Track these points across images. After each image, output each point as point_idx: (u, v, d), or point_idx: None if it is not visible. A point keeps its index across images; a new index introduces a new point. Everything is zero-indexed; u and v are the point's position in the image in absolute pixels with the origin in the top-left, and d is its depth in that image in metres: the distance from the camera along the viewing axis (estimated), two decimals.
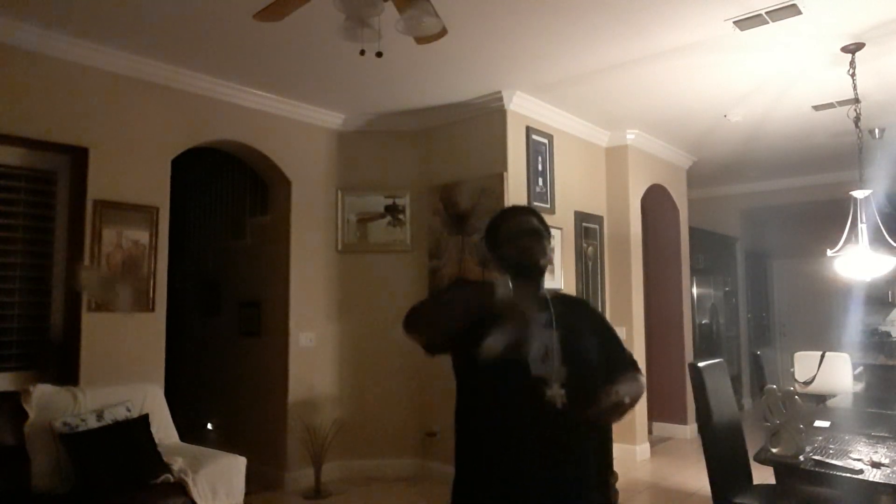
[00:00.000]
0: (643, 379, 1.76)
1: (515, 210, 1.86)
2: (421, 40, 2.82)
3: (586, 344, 1.70)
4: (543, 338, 1.61)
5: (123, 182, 3.94)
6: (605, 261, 5.77)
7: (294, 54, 3.98)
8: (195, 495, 3.15)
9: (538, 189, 4.99)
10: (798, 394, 2.85)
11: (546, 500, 1.55)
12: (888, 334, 7.44)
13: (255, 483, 4.06)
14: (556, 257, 5.11)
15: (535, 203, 4.92)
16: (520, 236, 1.72)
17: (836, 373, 5.24)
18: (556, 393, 1.55)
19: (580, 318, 1.78)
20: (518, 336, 1.54)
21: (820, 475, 2.52)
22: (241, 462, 3.51)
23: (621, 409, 1.51)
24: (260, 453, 4.54)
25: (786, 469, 2.64)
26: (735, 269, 8.43)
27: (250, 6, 2.94)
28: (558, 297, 1.81)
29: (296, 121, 4.94)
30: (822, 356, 5.32)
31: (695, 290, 7.09)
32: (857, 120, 4.12)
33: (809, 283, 8.24)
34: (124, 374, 3.79)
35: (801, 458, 2.60)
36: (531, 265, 1.71)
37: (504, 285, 1.52)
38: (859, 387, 5.52)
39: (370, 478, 4.94)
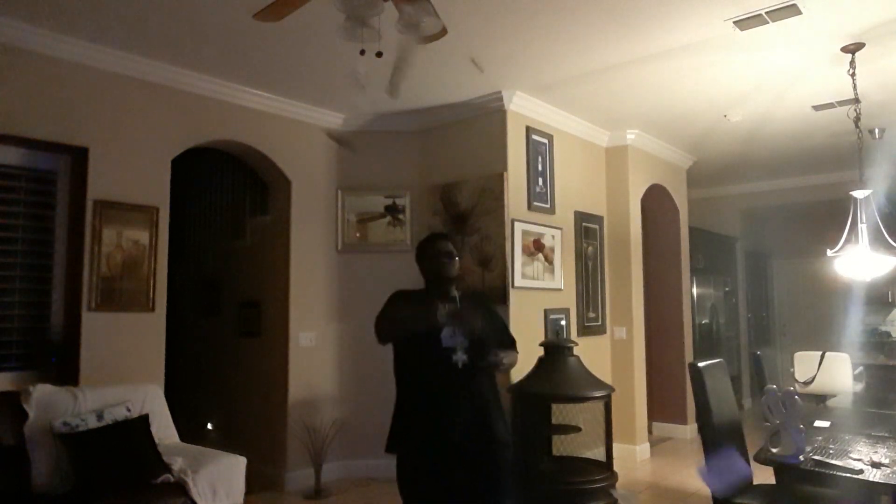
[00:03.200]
0: (516, 354, 2.71)
1: (437, 237, 2.80)
2: (421, 40, 2.81)
3: (479, 325, 2.50)
4: (451, 321, 2.44)
5: (123, 182, 3.94)
6: (605, 261, 5.77)
7: (294, 54, 3.98)
8: (195, 495, 3.15)
9: (538, 189, 4.99)
10: (798, 394, 2.85)
11: (460, 425, 2.43)
12: (888, 334, 7.44)
13: (255, 483, 4.05)
14: (556, 257, 5.11)
15: (535, 203, 4.93)
16: (439, 256, 2.65)
17: (836, 373, 5.25)
18: (460, 357, 2.46)
19: (477, 308, 2.62)
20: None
21: (820, 475, 2.51)
22: (241, 462, 3.50)
23: (501, 367, 2.57)
24: (260, 453, 4.54)
25: (786, 469, 2.64)
26: (735, 269, 8.43)
27: (250, 6, 2.94)
28: (466, 294, 2.68)
29: (296, 121, 4.94)
30: (822, 356, 5.33)
31: (695, 290, 7.09)
32: (857, 120, 4.12)
33: (809, 283, 8.24)
34: (124, 374, 3.79)
35: (801, 458, 2.60)
36: (445, 277, 2.64)
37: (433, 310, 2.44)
38: (859, 387, 5.53)
39: (370, 478, 4.94)
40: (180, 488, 3.15)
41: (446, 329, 2.44)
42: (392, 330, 2.58)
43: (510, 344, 2.71)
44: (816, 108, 5.04)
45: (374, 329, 2.58)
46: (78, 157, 3.81)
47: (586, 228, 5.53)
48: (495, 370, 2.59)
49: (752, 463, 2.95)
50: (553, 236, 5.09)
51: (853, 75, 4.01)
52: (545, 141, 5.10)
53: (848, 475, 2.44)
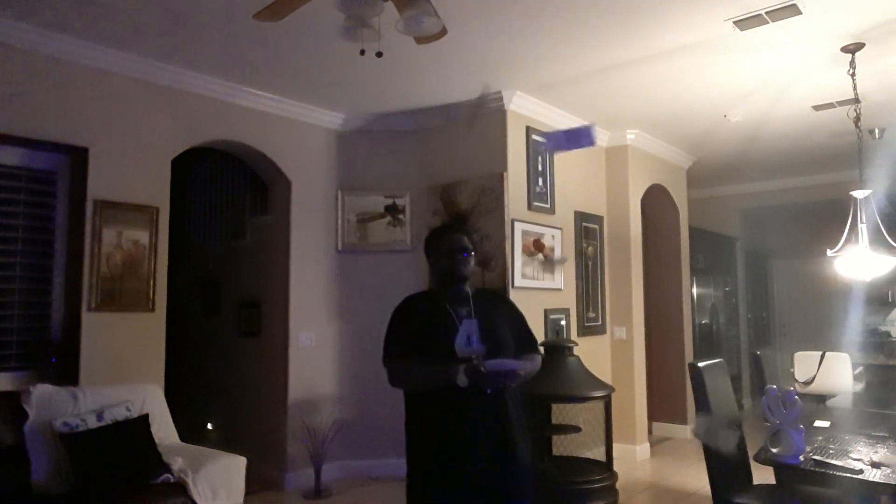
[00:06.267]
0: (539, 358, 2.38)
1: (450, 229, 2.52)
2: (421, 40, 2.82)
3: (499, 327, 2.26)
4: (465, 326, 2.08)
5: (123, 182, 3.94)
6: (605, 261, 5.77)
7: (294, 54, 3.97)
8: (195, 495, 3.15)
9: (538, 189, 4.98)
10: (798, 394, 2.85)
11: (482, 440, 2.13)
12: (888, 334, 7.44)
13: (255, 483, 4.06)
14: (557, 257, 5.11)
15: (535, 203, 4.93)
16: (452, 252, 2.31)
17: (836, 373, 5.23)
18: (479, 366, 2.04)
19: (496, 307, 2.36)
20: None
21: (820, 475, 2.51)
22: (241, 462, 3.50)
23: (516, 377, 2.11)
24: (260, 453, 4.54)
25: (786, 469, 2.63)
26: (735, 269, 8.42)
27: (250, 6, 2.95)
28: (480, 292, 2.38)
29: (296, 121, 4.94)
30: (822, 356, 5.32)
31: (695, 290, 7.09)
32: (857, 120, 4.12)
33: (809, 283, 8.24)
34: (124, 374, 3.79)
35: (801, 458, 2.60)
36: (458, 275, 2.31)
37: (458, 372, 2.06)
38: (859, 387, 5.52)
39: (370, 478, 4.94)
40: (180, 488, 3.15)
41: (459, 337, 2.07)
42: (408, 377, 2.28)
43: (532, 346, 2.39)
44: (816, 108, 5.04)
45: (388, 378, 2.32)
46: (78, 157, 3.80)
47: (586, 228, 5.53)
48: (508, 382, 2.18)
49: (753, 463, 2.95)
50: (553, 236, 5.09)
51: (853, 75, 4.01)
52: (545, 141, 5.09)
53: (848, 475, 2.44)
